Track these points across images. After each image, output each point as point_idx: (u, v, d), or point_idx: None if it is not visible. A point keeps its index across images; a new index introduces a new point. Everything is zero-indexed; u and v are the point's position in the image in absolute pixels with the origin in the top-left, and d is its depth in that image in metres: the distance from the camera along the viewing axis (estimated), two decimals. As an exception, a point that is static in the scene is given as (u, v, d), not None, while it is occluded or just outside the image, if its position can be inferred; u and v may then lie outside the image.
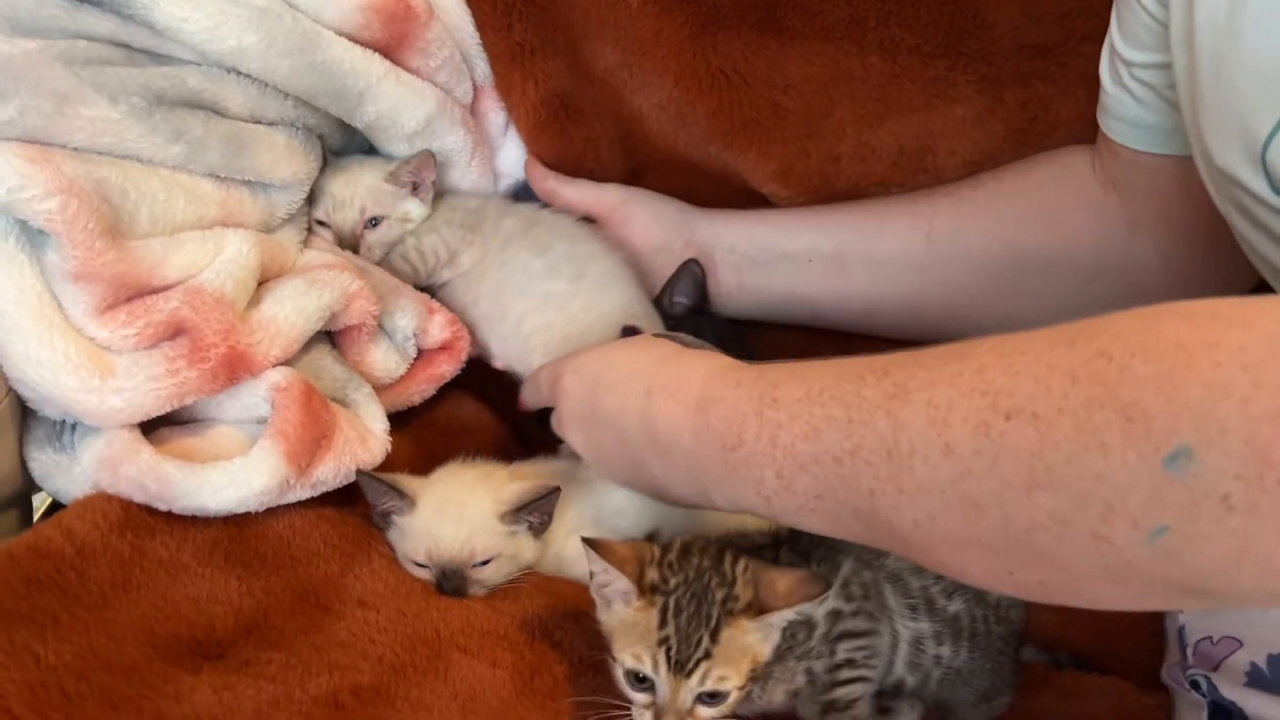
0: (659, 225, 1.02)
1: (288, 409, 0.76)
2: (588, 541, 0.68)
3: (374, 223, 0.98)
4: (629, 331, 0.91)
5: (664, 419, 0.65)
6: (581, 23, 0.96)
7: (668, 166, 1.03)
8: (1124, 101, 0.83)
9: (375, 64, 0.91)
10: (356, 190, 0.97)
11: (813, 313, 1.02)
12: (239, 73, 0.86)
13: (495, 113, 1.05)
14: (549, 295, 0.96)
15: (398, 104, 0.93)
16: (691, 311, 1.00)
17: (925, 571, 0.71)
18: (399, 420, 0.92)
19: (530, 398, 0.84)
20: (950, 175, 0.97)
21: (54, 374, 0.73)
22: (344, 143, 1.01)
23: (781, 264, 1.00)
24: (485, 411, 1.00)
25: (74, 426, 0.77)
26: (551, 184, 1.03)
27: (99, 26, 0.80)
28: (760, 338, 1.04)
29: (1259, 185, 0.61)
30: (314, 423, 0.77)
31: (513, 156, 1.06)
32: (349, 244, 0.97)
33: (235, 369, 0.77)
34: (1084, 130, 0.90)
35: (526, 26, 0.96)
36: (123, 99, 0.79)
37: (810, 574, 0.67)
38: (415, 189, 0.99)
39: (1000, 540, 0.47)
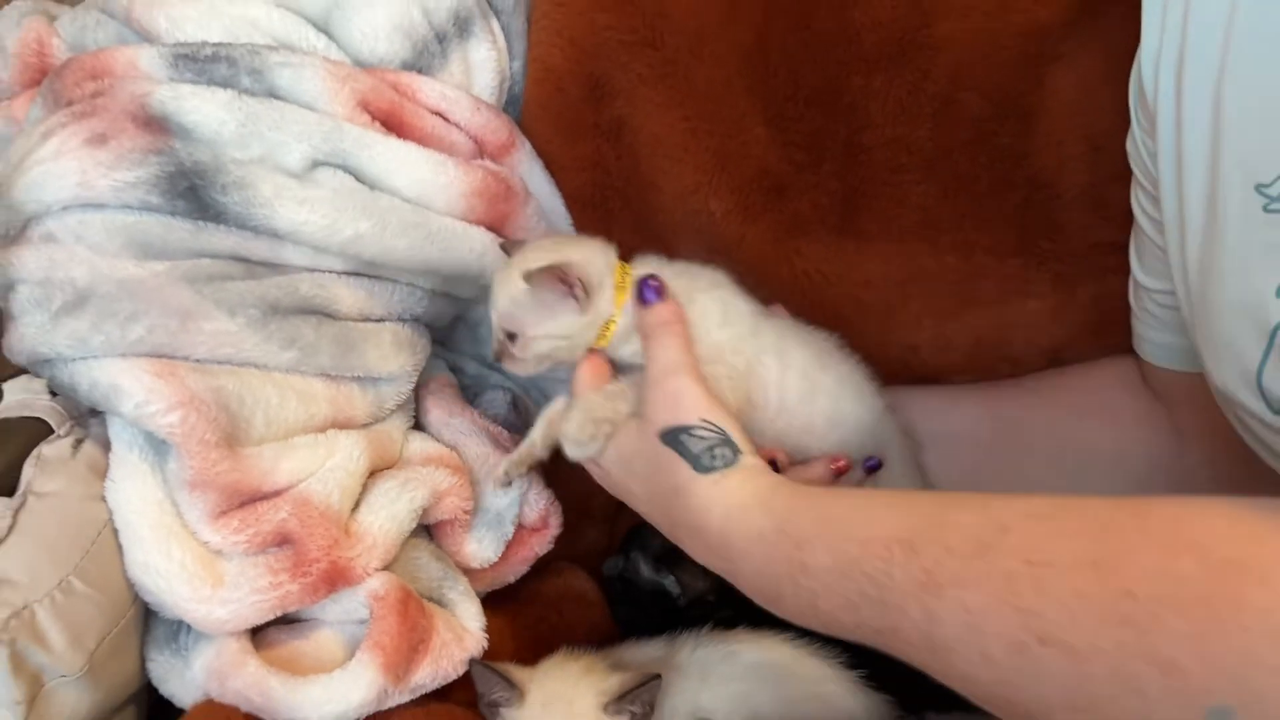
0: None
1: (385, 619, 0.71)
2: None
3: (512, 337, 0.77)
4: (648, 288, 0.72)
5: (697, 554, 0.62)
6: (670, 225, 0.91)
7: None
8: (1148, 323, 0.80)
9: (485, 233, 0.86)
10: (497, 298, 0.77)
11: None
12: (349, 274, 0.83)
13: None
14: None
15: None
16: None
17: None
18: (502, 593, 0.87)
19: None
20: (1029, 364, 0.90)
21: (169, 582, 0.70)
22: (448, 324, 0.96)
23: None
24: (585, 578, 0.93)
25: (189, 629, 0.73)
26: None
27: (221, 244, 0.77)
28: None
29: (1258, 407, 0.59)
30: (411, 630, 0.71)
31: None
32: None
33: (335, 582, 0.72)
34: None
35: (623, 229, 0.91)
36: (240, 312, 0.76)
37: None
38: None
39: None
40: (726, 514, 0.59)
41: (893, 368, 0.92)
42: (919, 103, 0.85)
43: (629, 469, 0.69)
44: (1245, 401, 0.59)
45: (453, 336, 1.01)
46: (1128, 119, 0.76)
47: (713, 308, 0.75)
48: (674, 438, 0.64)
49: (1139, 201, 0.75)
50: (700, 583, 0.86)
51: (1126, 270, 0.86)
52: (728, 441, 0.63)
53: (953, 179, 0.86)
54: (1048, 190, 0.85)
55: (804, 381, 0.77)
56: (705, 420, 0.64)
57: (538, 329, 0.75)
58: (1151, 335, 0.80)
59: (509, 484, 0.83)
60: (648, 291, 0.72)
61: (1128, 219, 0.83)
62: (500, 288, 0.76)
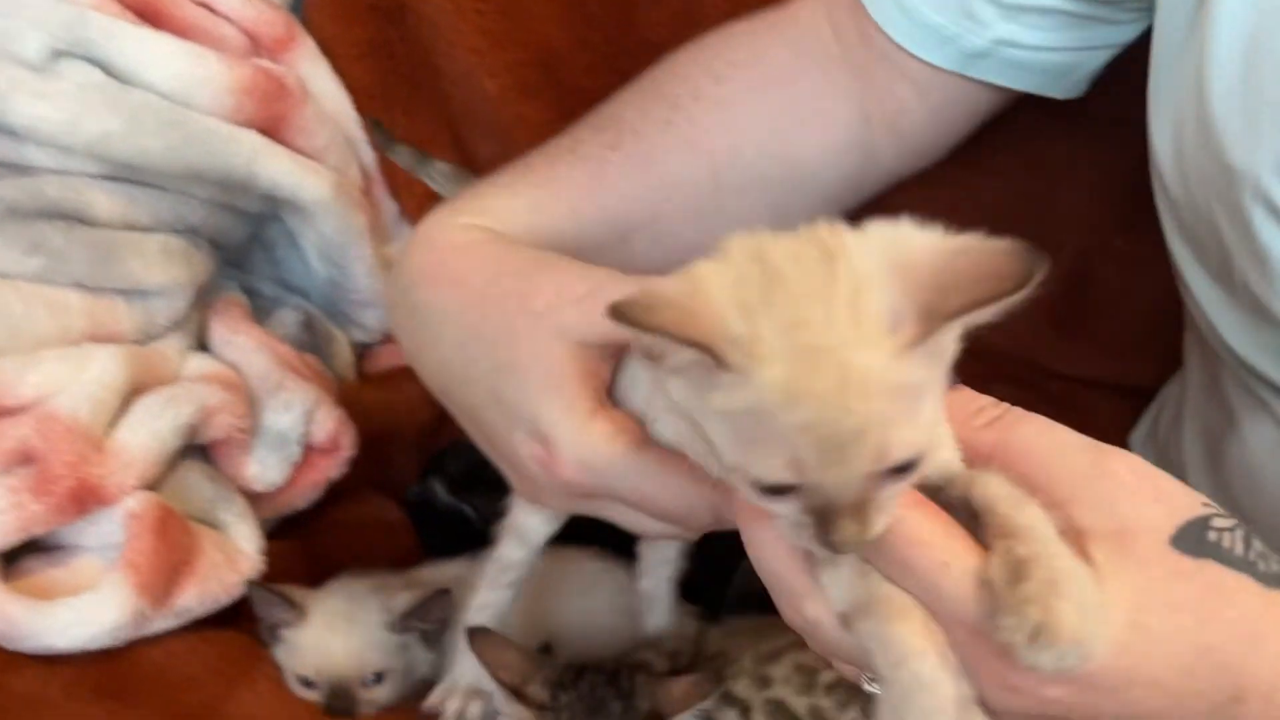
0: None
1: (140, 538, 0.64)
2: (471, 633, 0.58)
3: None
4: None
5: None
6: (459, 112, 0.86)
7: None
8: None
9: (256, 135, 0.79)
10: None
11: None
12: (108, 179, 0.75)
13: (388, 201, 0.93)
14: None
15: (293, 170, 0.81)
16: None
17: (815, 690, 0.60)
18: (298, 522, 0.81)
19: None
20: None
21: (-109, 506, 0.62)
22: (241, 244, 0.89)
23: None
24: (393, 507, 0.86)
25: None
26: None
27: (-53, 142, 0.69)
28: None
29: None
30: (170, 550, 0.65)
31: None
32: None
33: (85, 502, 0.65)
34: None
35: (418, 120, 0.85)
36: (-28, 215, 0.68)
37: (702, 676, 0.59)
38: None
39: None
40: None
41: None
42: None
43: (1166, 641, 0.36)
44: (1266, 184, 0.48)
45: (248, 259, 0.93)
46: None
47: None
48: (1197, 539, 0.37)
49: None
50: (498, 506, 0.82)
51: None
52: (1242, 525, 0.39)
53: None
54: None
55: None
56: (1207, 503, 0.38)
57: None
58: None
59: None
60: None
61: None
62: (865, 398, 0.31)
